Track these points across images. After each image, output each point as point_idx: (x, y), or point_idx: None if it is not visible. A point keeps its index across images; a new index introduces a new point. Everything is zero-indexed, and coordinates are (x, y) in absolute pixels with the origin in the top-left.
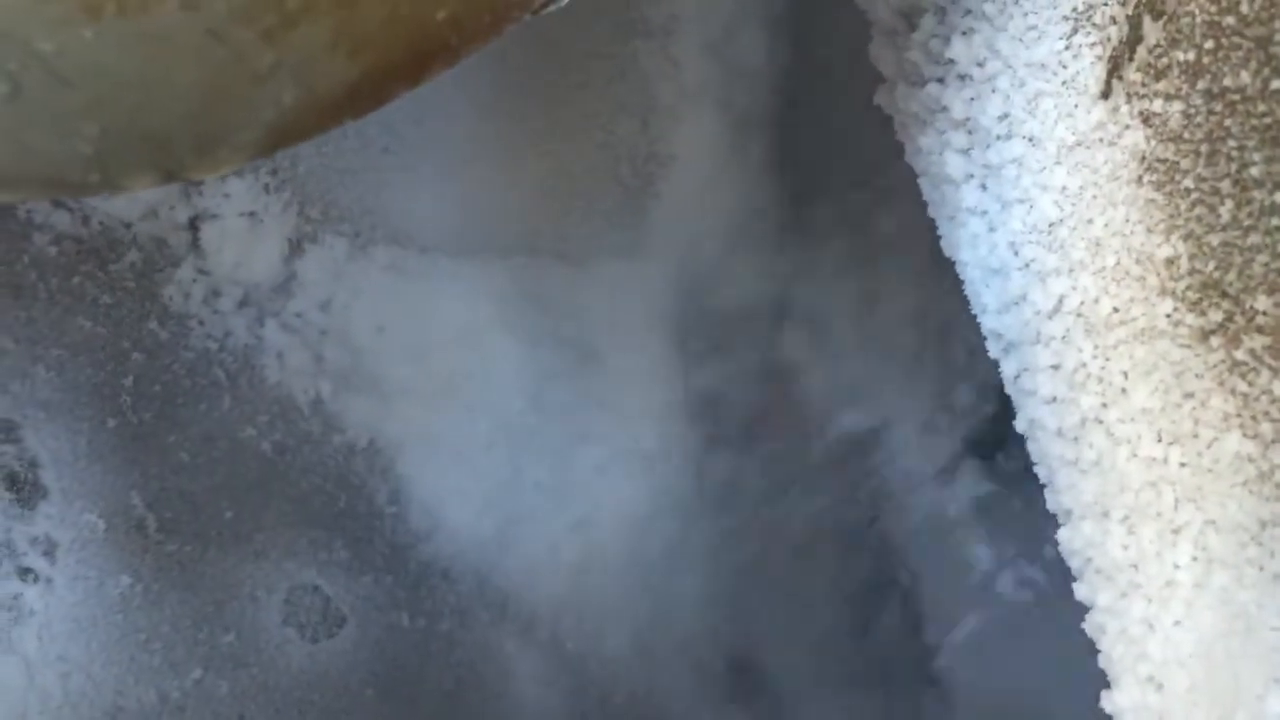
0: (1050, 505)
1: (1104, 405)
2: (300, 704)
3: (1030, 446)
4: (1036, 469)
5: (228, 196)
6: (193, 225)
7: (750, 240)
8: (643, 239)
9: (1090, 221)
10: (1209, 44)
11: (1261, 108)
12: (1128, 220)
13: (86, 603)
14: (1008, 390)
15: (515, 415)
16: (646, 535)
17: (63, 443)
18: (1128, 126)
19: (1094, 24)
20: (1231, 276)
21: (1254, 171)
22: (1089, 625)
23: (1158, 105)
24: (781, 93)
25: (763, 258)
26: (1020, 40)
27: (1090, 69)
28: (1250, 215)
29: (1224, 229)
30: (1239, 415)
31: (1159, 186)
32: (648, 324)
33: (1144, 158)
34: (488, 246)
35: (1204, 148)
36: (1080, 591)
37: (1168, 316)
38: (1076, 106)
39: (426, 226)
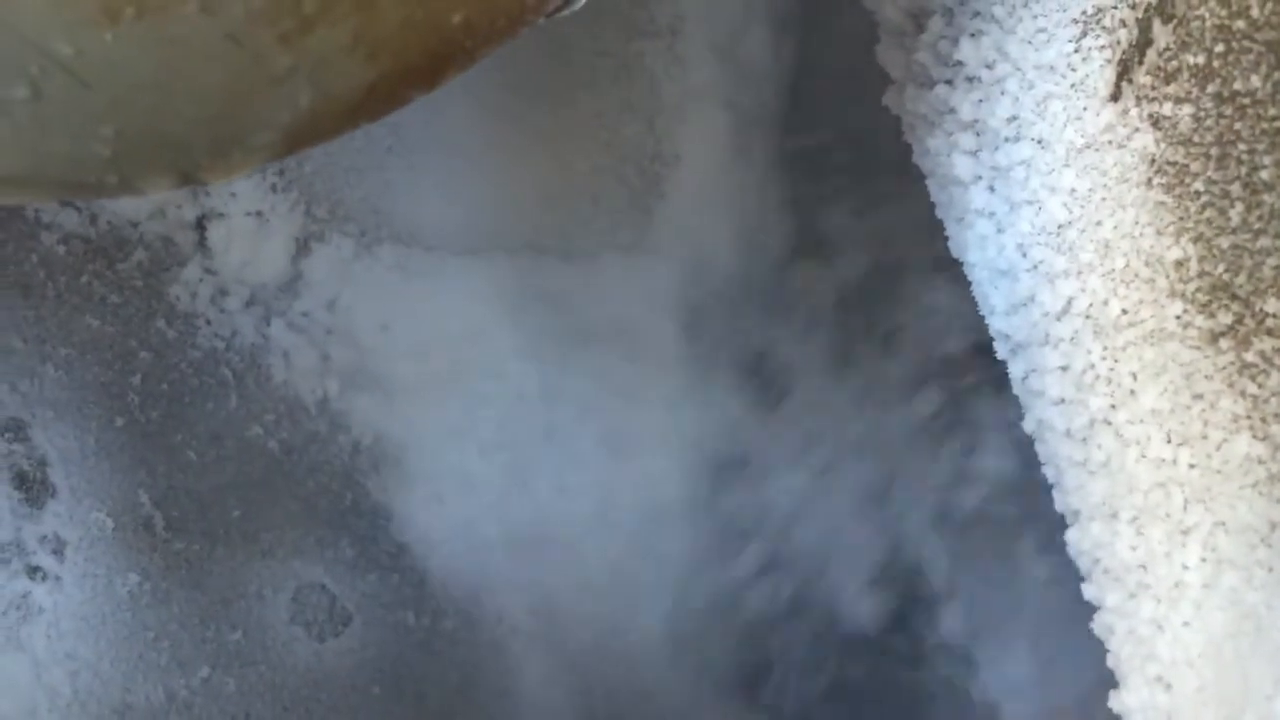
0: (1058, 506)
1: (1113, 407)
2: (307, 701)
3: (1038, 448)
4: (1044, 470)
5: (235, 196)
6: (200, 225)
7: (755, 239)
8: (648, 238)
9: (1099, 224)
10: (1219, 48)
11: (1272, 111)
12: (1137, 222)
13: (95, 601)
14: (1015, 391)
15: (521, 413)
16: (655, 531)
17: (71, 441)
18: (1137, 129)
19: (1103, 27)
20: (1241, 279)
21: (1264, 175)
22: (1097, 625)
23: (1167, 108)
24: (787, 93)
25: (768, 256)
26: (1029, 43)
27: (1100, 72)
28: (1260, 218)
29: (1234, 232)
30: (1248, 417)
31: (1168, 189)
32: (653, 322)
33: (1153, 160)
34: (493, 245)
35: (1214, 151)
36: (1088, 592)
37: (1177, 318)
38: (1085, 109)
39: (432, 226)
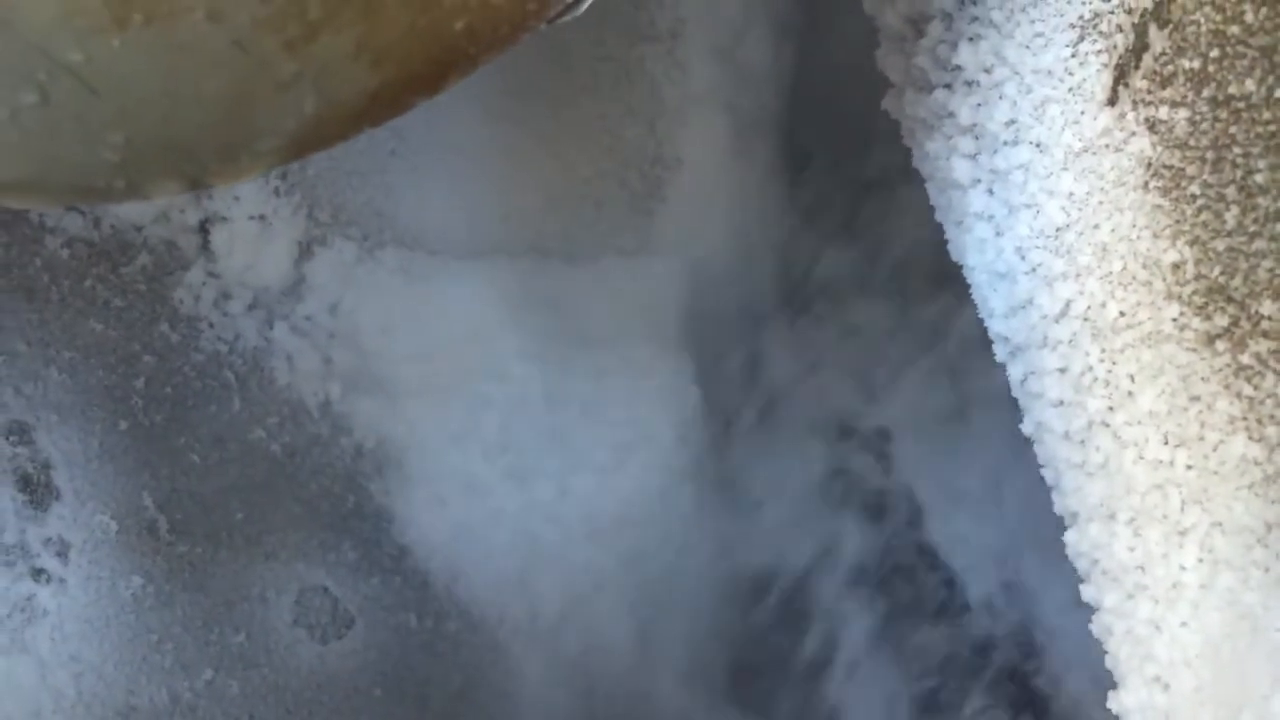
0: (1057, 508)
1: (1110, 408)
2: (310, 704)
3: (1037, 450)
4: (1043, 472)
5: (238, 200)
6: (203, 228)
7: (756, 242)
8: (650, 241)
9: (1097, 227)
10: (1214, 52)
11: (1266, 115)
12: (1134, 225)
13: (99, 603)
14: (1014, 394)
15: (523, 416)
16: (657, 533)
17: (75, 444)
18: (1134, 133)
19: (1100, 32)
20: (1237, 281)
21: (1259, 178)
22: (1095, 626)
23: (1164, 112)
24: (788, 97)
25: (768, 258)
26: (1027, 47)
27: (1097, 76)
28: (1255, 221)
29: (1229, 234)
30: (1245, 418)
31: (1165, 192)
32: (655, 324)
33: (1150, 164)
34: (495, 249)
35: (1209, 154)
36: (1087, 593)
37: (1174, 321)
38: (1083, 113)
39: (435, 229)
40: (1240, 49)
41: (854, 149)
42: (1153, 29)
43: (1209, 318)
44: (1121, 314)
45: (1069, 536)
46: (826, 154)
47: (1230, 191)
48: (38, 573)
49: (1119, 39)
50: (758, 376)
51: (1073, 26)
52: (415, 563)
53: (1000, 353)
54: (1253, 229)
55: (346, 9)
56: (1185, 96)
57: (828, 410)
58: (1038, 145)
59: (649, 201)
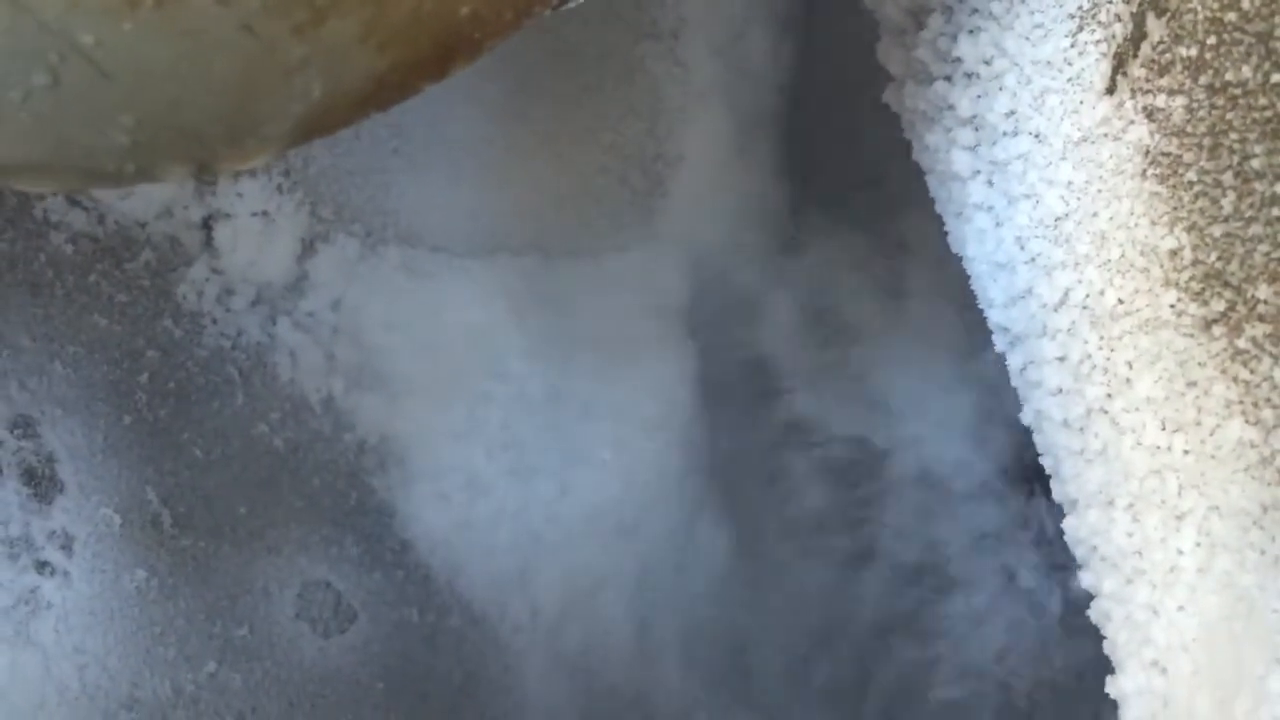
0: (1056, 495)
1: (1109, 395)
2: (312, 697)
3: (1036, 438)
4: (1043, 459)
5: (241, 196)
6: (206, 224)
7: (757, 239)
8: (651, 238)
9: (1095, 215)
10: (1211, 40)
11: (1262, 101)
12: (1132, 213)
13: (103, 596)
14: (1014, 383)
15: (525, 412)
16: (658, 530)
17: (79, 438)
18: (1132, 121)
19: (1099, 22)
20: (1234, 266)
21: (1255, 164)
22: (1094, 612)
23: (1161, 100)
24: (789, 93)
25: (769, 256)
26: (1027, 38)
27: (1095, 66)
28: (1251, 206)
29: (1226, 220)
30: (1241, 402)
31: (1162, 180)
32: (655, 321)
33: (1148, 152)
34: (497, 246)
35: (1206, 141)
36: (1086, 579)
37: (1171, 307)
38: (1082, 103)
39: (437, 226)
40: (1237, 36)
41: (854, 144)
42: (1150, 18)
43: (1206, 303)
44: (1120, 301)
45: (1068, 523)
46: (827, 150)
47: (1227, 177)
48: (42, 565)
49: (1117, 28)
50: (759, 374)
51: (1071, 17)
52: (417, 558)
53: (1000, 342)
54: (1249, 214)
55: None
56: (1183, 84)
57: (830, 407)
58: (1037, 136)
59: (650, 198)
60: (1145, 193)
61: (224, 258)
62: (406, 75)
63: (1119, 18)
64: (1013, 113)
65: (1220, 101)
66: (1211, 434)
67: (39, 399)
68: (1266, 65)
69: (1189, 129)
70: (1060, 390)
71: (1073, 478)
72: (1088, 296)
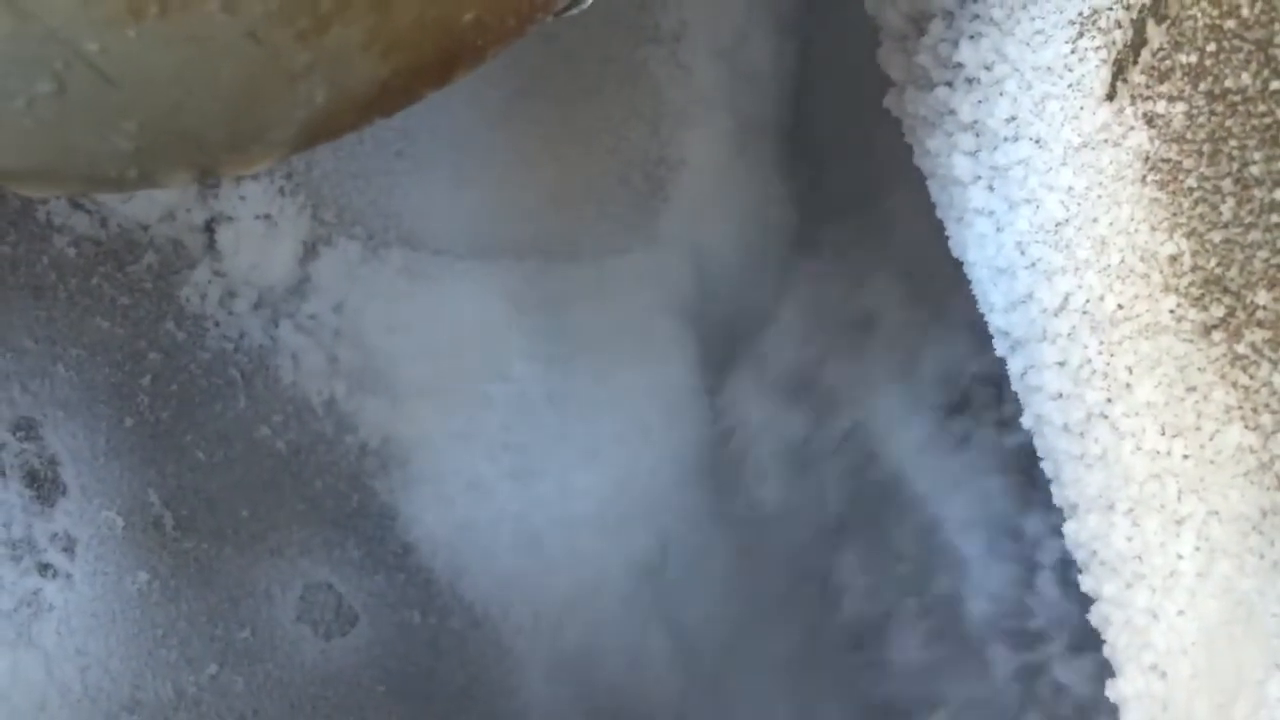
0: (1056, 500)
1: (1109, 400)
2: (314, 700)
3: (1037, 442)
4: (1043, 464)
5: (243, 199)
6: (209, 228)
7: (759, 242)
8: (653, 241)
9: (1095, 220)
10: (1211, 46)
11: (1262, 108)
12: (1132, 219)
13: (105, 598)
14: (1014, 387)
15: (527, 415)
16: (660, 531)
17: (81, 441)
18: (1132, 128)
19: (1099, 28)
20: (1233, 272)
21: (1254, 170)
22: (1094, 616)
23: (1161, 106)
24: (790, 97)
25: (771, 259)
26: (1027, 44)
27: (1095, 72)
28: (1251, 212)
29: (1225, 226)
30: (1240, 407)
31: (1162, 185)
32: (657, 324)
33: (1148, 158)
34: (499, 249)
35: (1206, 147)
36: (1086, 584)
37: (1171, 312)
38: (1082, 109)
39: (439, 229)
40: (1236, 43)
41: (855, 148)
42: (1151, 24)
43: (1205, 308)
44: (1119, 306)
45: (1068, 528)
46: (828, 154)
47: (1226, 184)
48: (44, 568)
49: (1118, 35)
50: (761, 375)
51: (1072, 23)
52: (419, 560)
53: (1000, 347)
54: (1248, 220)
55: (357, 1)
56: (1182, 90)
57: (833, 407)
58: (1037, 141)
59: (652, 201)
60: (1145, 198)
61: (226, 260)
62: (410, 81)
63: (1119, 24)
64: (1013, 118)
65: (1220, 108)
66: (1211, 439)
67: (41, 401)
68: (1266, 72)
69: (1189, 135)
70: (1060, 395)
71: (1073, 482)
72: (1088, 301)
